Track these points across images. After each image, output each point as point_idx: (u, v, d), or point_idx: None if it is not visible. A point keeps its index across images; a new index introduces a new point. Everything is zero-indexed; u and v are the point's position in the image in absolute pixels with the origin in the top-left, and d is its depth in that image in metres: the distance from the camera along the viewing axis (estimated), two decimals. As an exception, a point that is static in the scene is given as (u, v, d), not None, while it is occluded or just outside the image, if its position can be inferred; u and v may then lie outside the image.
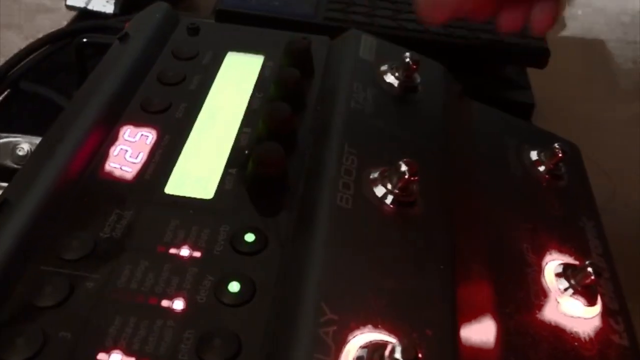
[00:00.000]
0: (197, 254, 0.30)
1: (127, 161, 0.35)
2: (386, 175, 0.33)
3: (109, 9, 0.67)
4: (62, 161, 0.33)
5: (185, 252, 0.30)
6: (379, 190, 0.33)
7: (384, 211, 0.33)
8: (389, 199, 0.33)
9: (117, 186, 0.33)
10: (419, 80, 0.42)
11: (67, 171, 0.33)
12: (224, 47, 0.44)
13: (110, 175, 0.34)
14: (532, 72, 0.62)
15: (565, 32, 0.81)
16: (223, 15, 0.55)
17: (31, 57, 0.59)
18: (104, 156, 0.35)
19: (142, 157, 0.35)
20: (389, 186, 0.33)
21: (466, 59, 0.57)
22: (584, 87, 0.72)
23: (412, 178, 0.32)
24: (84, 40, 0.46)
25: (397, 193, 0.33)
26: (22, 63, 0.58)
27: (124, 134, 0.36)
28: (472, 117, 0.45)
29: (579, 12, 0.85)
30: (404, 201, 0.33)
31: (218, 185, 0.33)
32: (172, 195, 0.33)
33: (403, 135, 0.38)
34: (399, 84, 0.41)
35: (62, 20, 0.70)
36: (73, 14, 0.70)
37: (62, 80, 0.59)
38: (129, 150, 0.35)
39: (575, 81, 0.72)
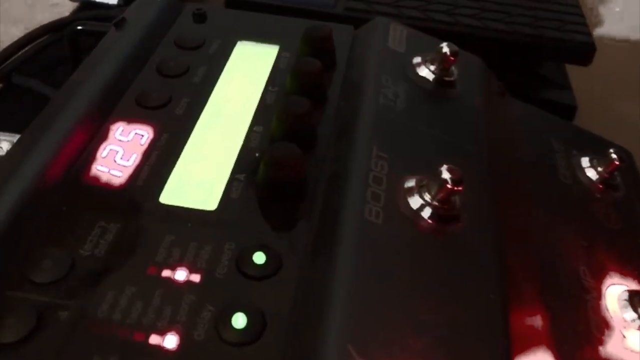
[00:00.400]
0: (196, 278, 0.25)
1: (117, 164, 0.29)
2: (424, 184, 0.28)
3: (113, -1, 0.62)
4: (40, 163, 0.28)
5: (181, 274, 0.25)
6: (415, 202, 0.28)
7: (421, 227, 0.27)
8: (426, 212, 0.27)
9: (104, 193, 0.28)
10: (456, 74, 0.36)
11: (44, 175, 0.28)
12: (234, 35, 0.38)
13: (96, 180, 0.28)
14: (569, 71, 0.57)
15: (603, 29, 0.75)
16: (234, 5, 0.50)
17: (26, 49, 0.54)
18: (91, 157, 0.30)
19: (134, 160, 0.30)
20: (427, 197, 0.28)
21: (502, 55, 0.51)
22: (624, 87, 0.66)
23: (455, 188, 0.27)
24: (79, 28, 0.41)
25: (436, 206, 0.27)
26: (16, 56, 0.53)
27: (116, 132, 0.31)
28: (515, 118, 0.40)
29: (617, 8, 0.79)
30: (445, 215, 0.27)
31: (223, 194, 0.28)
32: (168, 206, 0.28)
33: (440, 137, 0.32)
34: (434, 78, 0.35)
35: (67, 14, 0.66)
36: (76, 8, 0.66)
37: (60, 74, 0.54)
38: (120, 151, 0.30)
39: (615, 81, 0.67)
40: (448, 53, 0.35)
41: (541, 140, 0.40)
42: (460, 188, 0.27)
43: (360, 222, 0.26)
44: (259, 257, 0.25)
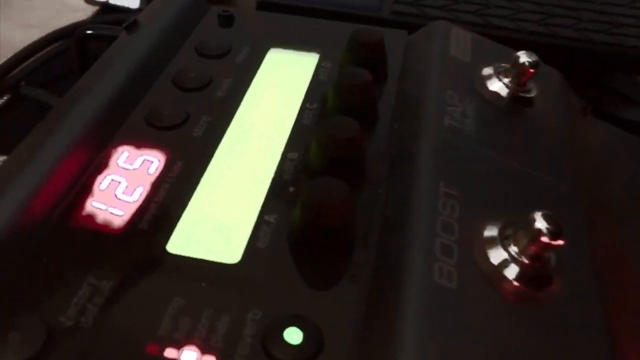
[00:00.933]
0: (209, 361, 0.18)
1: (119, 200, 0.24)
2: (509, 233, 0.21)
3: (134, 3, 0.57)
4: (21, 196, 0.22)
5: (190, 356, 0.19)
6: (497, 256, 0.21)
7: (505, 292, 0.21)
8: (511, 271, 0.21)
9: (98, 239, 0.22)
10: (535, 90, 0.30)
11: (24, 212, 0.22)
12: (265, 41, 0.33)
13: (90, 221, 0.23)
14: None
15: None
16: (266, 7, 0.44)
17: (36, 57, 0.49)
18: (85, 191, 0.24)
19: (140, 194, 0.24)
20: (514, 251, 0.21)
21: (570, 66, 0.45)
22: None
23: (553, 242, 0.20)
24: (88, 32, 0.36)
25: (525, 264, 0.21)
26: (25, 64, 0.48)
27: (119, 157, 0.25)
28: (601, 143, 0.33)
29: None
30: (537, 277, 0.21)
31: (248, 242, 0.22)
32: (178, 257, 0.21)
33: (522, 169, 0.26)
34: (508, 94, 0.29)
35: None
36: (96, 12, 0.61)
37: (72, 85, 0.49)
38: (123, 183, 0.24)
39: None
40: (527, 64, 0.28)
41: (633, 172, 0.33)
42: (560, 242, 0.20)
43: (429, 287, 0.19)
44: (293, 334, 0.19)
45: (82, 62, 0.36)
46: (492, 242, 0.21)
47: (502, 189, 0.24)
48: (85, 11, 0.62)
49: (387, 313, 0.19)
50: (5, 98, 0.47)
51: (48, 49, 0.48)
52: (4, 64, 0.47)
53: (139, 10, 0.56)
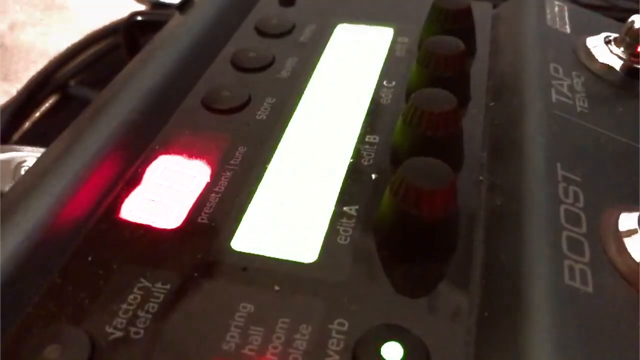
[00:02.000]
0: (287, 383, 0.15)
1: (174, 189, 0.20)
2: (652, 224, 0.17)
3: (185, -2, 0.54)
4: (62, 186, 0.19)
5: (263, 375, 0.15)
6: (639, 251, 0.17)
7: (653, 297, 0.16)
8: (657, 271, 0.17)
9: (150, 235, 0.19)
10: (650, 61, 0.25)
11: (65, 205, 0.19)
12: (332, 17, 0.29)
13: (140, 214, 0.19)
14: None
15: None
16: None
17: (85, 55, 0.46)
18: (135, 180, 0.21)
19: (198, 184, 0.21)
20: (660, 246, 0.17)
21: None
22: None
23: None
24: (138, 19, 0.33)
25: (678, 262, 0.17)
26: (73, 63, 0.46)
27: (174, 144, 0.22)
28: None
29: None
30: (694, 278, 0.17)
31: (325, 237, 0.18)
32: (244, 255, 0.18)
33: (649, 151, 0.21)
34: (622, 66, 0.25)
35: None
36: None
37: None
38: (179, 171, 0.21)
39: None
40: (644, 30, 0.24)
41: None
42: None
43: (561, 292, 0.15)
44: (393, 351, 0.15)
45: (132, 51, 0.34)
46: (630, 234, 0.17)
47: (626, 173, 0.20)
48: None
49: (508, 326, 0.15)
50: (54, 98, 0.45)
51: (97, 47, 0.46)
52: (51, 62, 0.45)
53: (190, 5, 0.53)
